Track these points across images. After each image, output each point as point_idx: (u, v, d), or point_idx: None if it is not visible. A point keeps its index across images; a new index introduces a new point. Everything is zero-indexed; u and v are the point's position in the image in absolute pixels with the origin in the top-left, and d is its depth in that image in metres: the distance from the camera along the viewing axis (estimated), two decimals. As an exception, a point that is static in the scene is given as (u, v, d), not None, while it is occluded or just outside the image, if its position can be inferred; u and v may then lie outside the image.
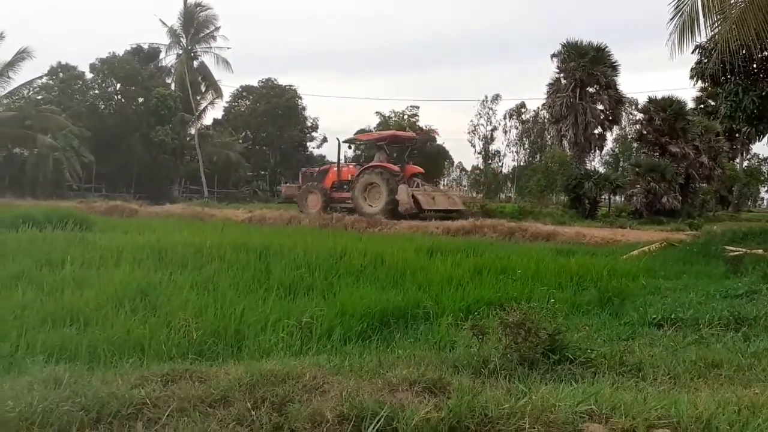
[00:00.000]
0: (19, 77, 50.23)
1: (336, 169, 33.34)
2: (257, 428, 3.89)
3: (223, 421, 3.99)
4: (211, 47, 65.33)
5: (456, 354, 5.95)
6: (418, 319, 8.95)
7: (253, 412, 4.04)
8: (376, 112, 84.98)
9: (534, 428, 3.89)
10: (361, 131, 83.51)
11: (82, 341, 6.88)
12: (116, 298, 8.75)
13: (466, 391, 4.40)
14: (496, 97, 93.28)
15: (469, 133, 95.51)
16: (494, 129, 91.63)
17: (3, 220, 18.03)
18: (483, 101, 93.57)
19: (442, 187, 35.55)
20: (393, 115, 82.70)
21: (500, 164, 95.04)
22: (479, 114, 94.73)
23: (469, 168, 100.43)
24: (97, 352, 6.64)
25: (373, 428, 3.79)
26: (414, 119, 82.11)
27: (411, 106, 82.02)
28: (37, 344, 6.69)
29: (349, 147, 37.59)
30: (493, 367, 5.41)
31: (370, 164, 32.70)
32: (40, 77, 55.64)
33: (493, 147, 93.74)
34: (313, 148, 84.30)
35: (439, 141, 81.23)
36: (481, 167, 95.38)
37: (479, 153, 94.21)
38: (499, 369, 5.38)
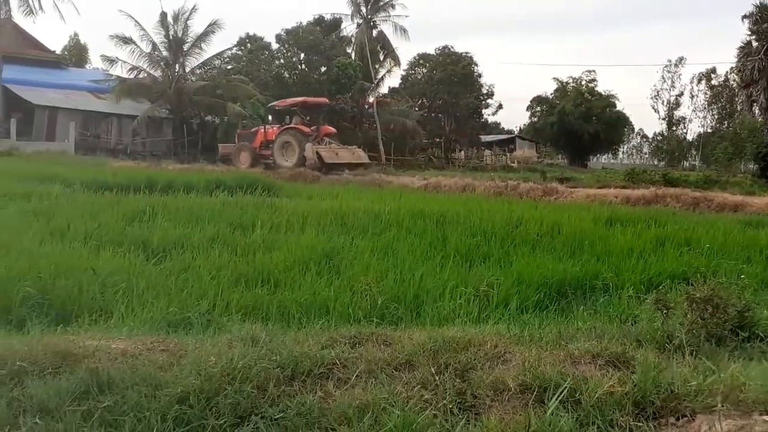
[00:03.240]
0: (211, 49, 53.17)
1: (263, 131, 37.73)
2: (441, 393, 4.02)
3: (409, 384, 4.15)
4: (389, 16, 66.19)
5: (638, 328, 5.83)
6: (597, 290, 8.79)
7: (437, 377, 4.17)
8: (553, 78, 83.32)
9: (724, 407, 3.79)
10: (537, 98, 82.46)
11: (273, 301, 7.27)
12: (303, 261, 9.13)
13: (651, 366, 4.33)
14: (681, 61, 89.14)
15: (651, 98, 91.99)
16: (680, 94, 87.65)
17: (198, 185, 19.25)
18: (666, 65, 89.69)
19: (350, 146, 39.99)
20: (570, 80, 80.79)
21: (684, 131, 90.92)
22: (663, 78, 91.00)
23: (650, 135, 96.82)
24: (286, 312, 7.01)
25: (556, 399, 3.83)
26: (592, 84, 79.82)
27: (588, 71, 79.59)
28: (232, 303, 7.13)
29: (275, 111, 42.65)
30: (678, 343, 5.26)
31: (286, 126, 37.32)
32: (230, 48, 58.60)
33: (677, 113, 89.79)
34: (489, 115, 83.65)
35: (618, 107, 78.72)
36: (664, 134, 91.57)
37: (662, 119, 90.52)
38: (684, 345, 5.23)
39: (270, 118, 41.85)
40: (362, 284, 7.74)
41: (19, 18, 52.97)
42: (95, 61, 74.77)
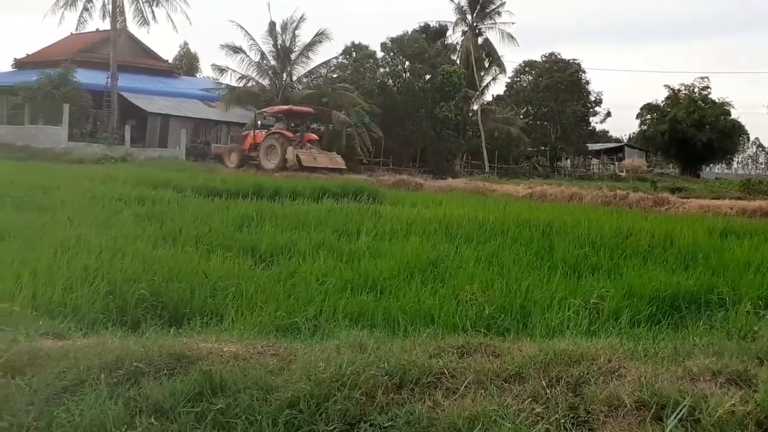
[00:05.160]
0: (317, 57, 54.09)
1: (253, 134, 41.17)
2: (553, 407, 3.93)
3: (519, 396, 4.06)
4: (495, 23, 65.90)
5: (759, 345, 5.54)
6: (712, 305, 8.43)
7: (549, 391, 4.08)
8: (665, 85, 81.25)
9: None
10: (647, 105, 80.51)
11: (378, 309, 7.26)
12: (407, 268, 9.10)
13: (775, 385, 4.13)
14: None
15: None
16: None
17: (304, 192, 19.56)
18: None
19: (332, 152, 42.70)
20: (683, 87, 78.52)
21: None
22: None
23: (767, 144, 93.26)
24: (391, 320, 7.00)
25: (675, 417, 3.69)
26: (705, 92, 77.34)
27: (701, 78, 77.11)
28: (339, 309, 7.17)
29: (264, 117, 44.50)
30: (803, 363, 5.00)
31: (272, 131, 40.73)
32: (336, 57, 59.31)
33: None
34: (596, 122, 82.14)
35: (733, 115, 76.08)
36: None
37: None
38: (811, 365, 4.96)
39: (259, 123, 43.78)
40: (468, 293, 7.67)
41: (133, 28, 55.47)
42: (206, 70, 76.98)
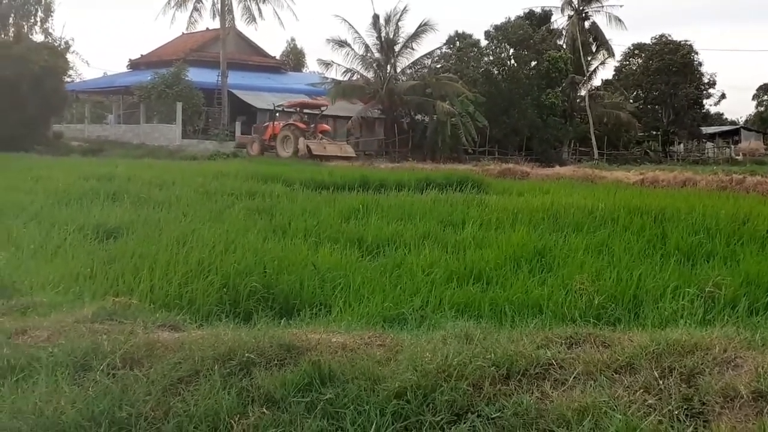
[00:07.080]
0: (421, 48, 54.05)
1: (272, 126, 43.52)
2: (666, 398, 3.82)
3: (630, 387, 3.98)
4: (602, 6, 64.46)
5: None
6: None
7: (661, 382, 3.97)
8: (782, 64, 77.81)
9: None
10: (764, 85, 77.02)
11: (485, 299, 7.22)
12: (514, 258, 9.03)
13: None
14: None
15: None
16: None
17: (409, 183, 19.62)
18: None
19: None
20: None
21: None
22: None
23: None
24: (498, 310, 6.95)
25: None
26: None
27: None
28: (445, 300, 7.17)
29: (280, 110, 46.68)
30: None
31: (286, 123, 43.44)
32: (440, 47, 59.20)
33: None
34: (710, 105, 79.32)
35: None
36: None
37: None
38: None
39: (278, 115, 45.78)
40: (577, 283, 7.55)
41: (242, 26, 56.95)
42: (311, 65, 78.12)
